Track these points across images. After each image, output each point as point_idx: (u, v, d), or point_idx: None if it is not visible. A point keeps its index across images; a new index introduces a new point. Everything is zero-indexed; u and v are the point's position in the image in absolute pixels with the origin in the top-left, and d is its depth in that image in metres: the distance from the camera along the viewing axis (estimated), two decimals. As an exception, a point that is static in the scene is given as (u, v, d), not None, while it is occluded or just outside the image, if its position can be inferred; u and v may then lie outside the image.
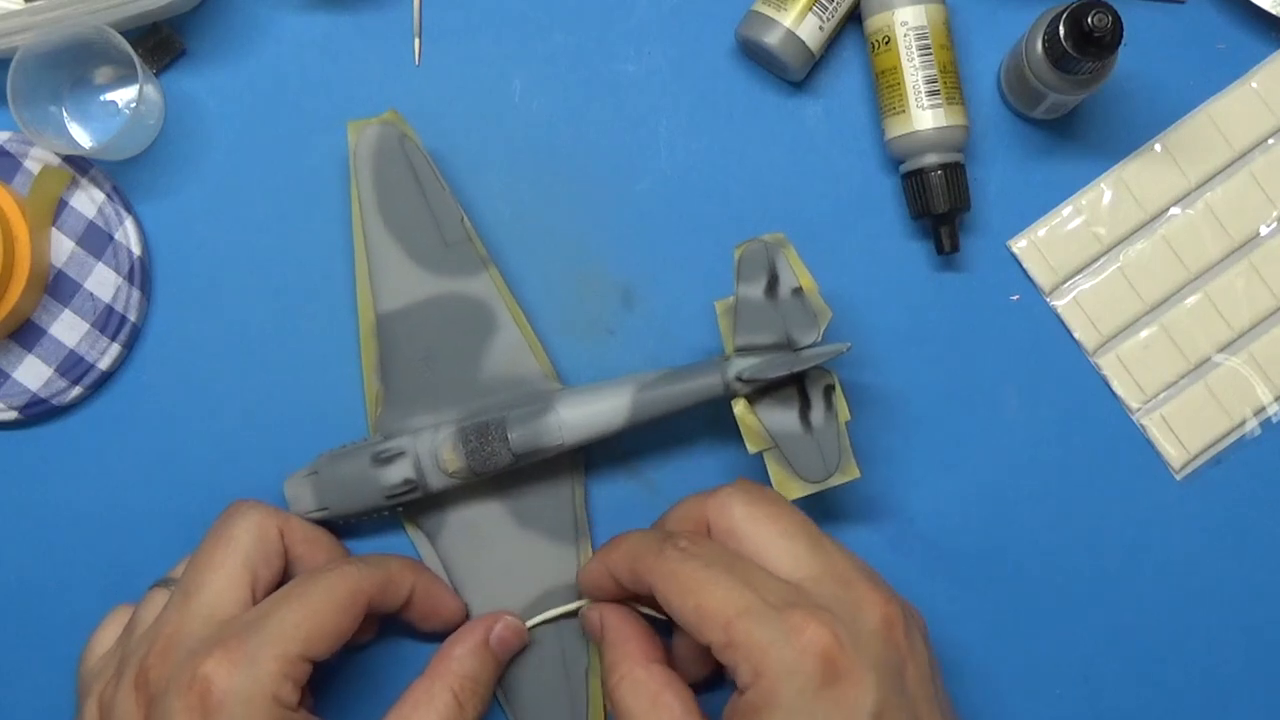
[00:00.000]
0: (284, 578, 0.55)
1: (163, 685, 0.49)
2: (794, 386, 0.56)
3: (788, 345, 0.56)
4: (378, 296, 0.60)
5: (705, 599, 0.48)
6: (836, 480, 0.55)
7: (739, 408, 0.56)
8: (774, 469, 0.56)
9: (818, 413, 0.56)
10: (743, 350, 0.56)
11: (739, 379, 0.55)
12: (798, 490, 0.55)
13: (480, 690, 0.54)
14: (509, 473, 0.59)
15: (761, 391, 0.56)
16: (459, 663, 0.54)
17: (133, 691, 0.50)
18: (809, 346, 0.56)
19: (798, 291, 0.56)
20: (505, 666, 0.57)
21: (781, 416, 0.56)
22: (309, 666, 0.50)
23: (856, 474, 0.56)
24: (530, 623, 0.58)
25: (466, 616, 0.59)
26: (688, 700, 0.51)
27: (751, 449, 0.56)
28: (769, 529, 0.50)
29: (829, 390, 0.56)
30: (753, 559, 0.50)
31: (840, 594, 0.48)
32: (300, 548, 0.55)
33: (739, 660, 0.47)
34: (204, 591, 0.51)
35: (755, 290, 0.56)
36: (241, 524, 0.53)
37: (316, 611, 0.50)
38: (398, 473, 0.57)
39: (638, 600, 0.55)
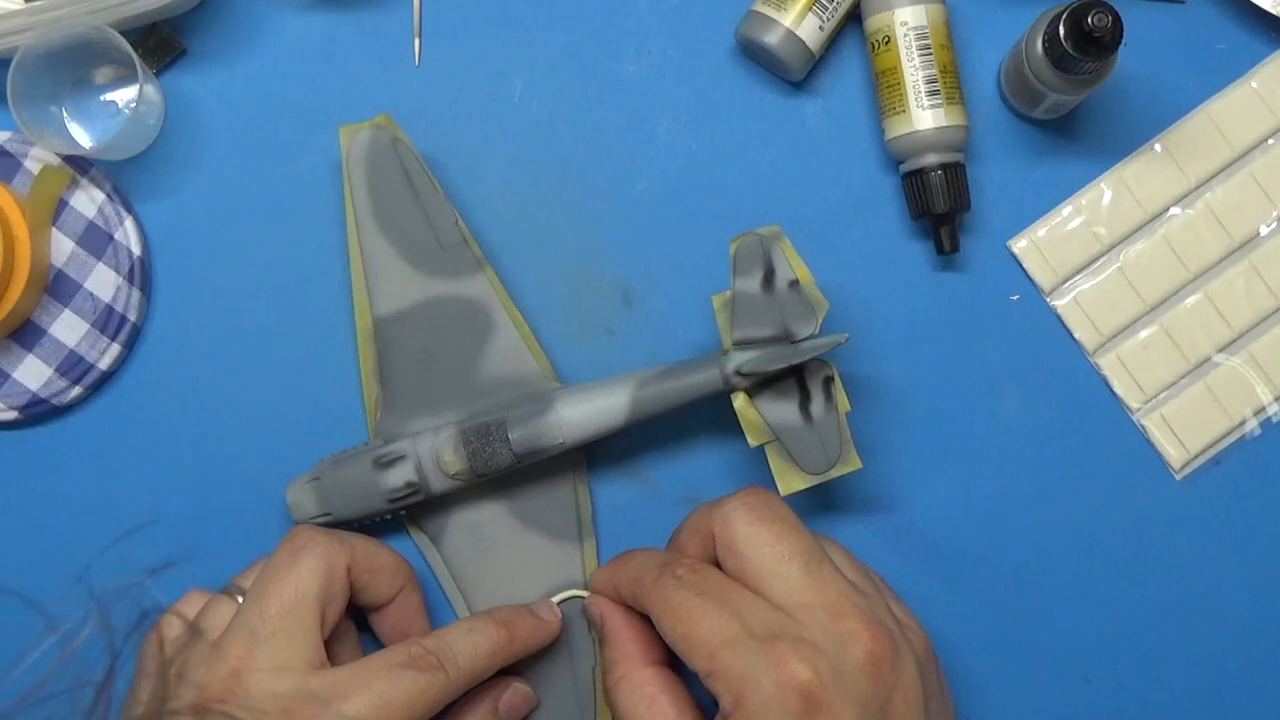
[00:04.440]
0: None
1: None
2: (793, 379, 0.56)
3: (786, 338, 0.56)
4: (374, 301, 0.60)
5: (693, 628, 0.49)
6: (838, 471, 0.55)
7: (738, 402, 0.56)
8: (775, 461, 0.56)
9: (818, 404, 0.56)
10: (741, 344, 0.56)
11: (738, 373, 0.55)
12: (799, 482, 0.55)
13: None
14: (510, 473, 0.59)
15: (761, 385, 0.56)
16: None
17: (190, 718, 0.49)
18: (807, 338, 0.56)
19: (794, 284, 0.56)
20: None
21: (781, 409, 0.56)
22: None
23: (858, 464, 0.56)
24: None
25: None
26: (684, 705, 0.51)
27: (752, 442, 0.56)
28: (766, 553, 0.50)
29: (828, 382, 0.56)
30: (749, 579, 0.50)
31: (828, 625, 0.48)
32: (364, 578, 0.54)
33: (721, 689, 0.48)
34: (275, 640, 0.50)
35: (752, 284, 0.56)
36: (309, 564, 0.52)
37: (389, 705, 0.49)
38: (399, 476, 0.57)
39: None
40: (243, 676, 0.49)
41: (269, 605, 0.51)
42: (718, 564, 0.52)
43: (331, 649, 0.52)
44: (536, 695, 0.58)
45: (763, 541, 0.50)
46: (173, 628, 0.54)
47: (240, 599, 0.53)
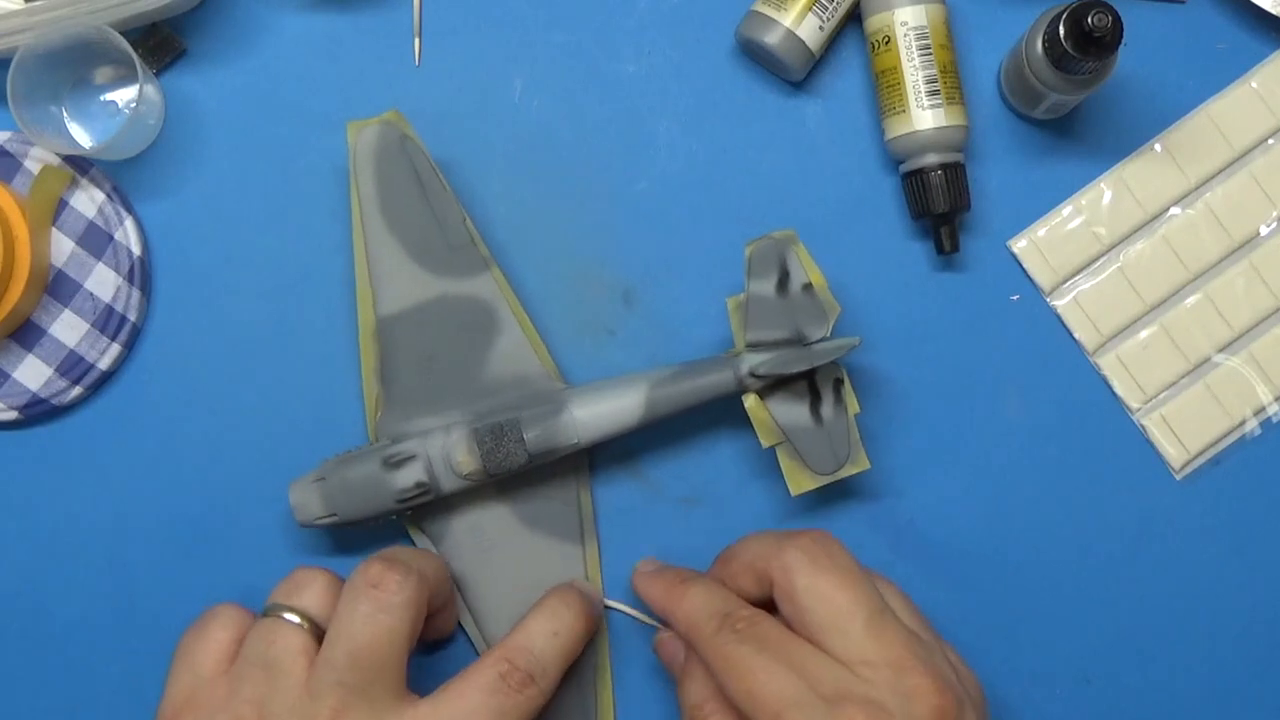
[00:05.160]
0: None
1: None
2: (804, 380, 0.56)
3: (798, 340, 0.56)
4: (379, 299, 0.60)
5: (758, 688, 0.48)
6: (847, 471, 0.56)
7: (750, 403, 0.56)
8: (785, 462, 0.56)
9: (827, 406, 0.56)
10: (753, 346, 0.56)
11: (752, 374, 0.56)
12: (809, 482, 0.56)
13: None
14: (514, 475, 0.58)
15: (772, 386, 0.56)
16: None
17: None
18: (819, 341, 0.56)
19: (808, 287, 0.56)
20: None
21: (792, 410, 0.56)
22: None
23: (867, 465, 0.56)
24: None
25: None
26: None
27: (765, 443, 0.56)
28: (828, 607, 0.49)
29: (838, 384, 0.56)
30: (810, 631, 0.49)
31: (893, 682, 0.48)
32: (431, 601, 0.54)
33: None
34: (369, 689, 0.49)
35: (766, 287, 0.56)
36: (401, 614, 0.50)
37: None
38: (410, 476, 0.57)
39: None
40: None
41: (364, 659, 0.49)
42: (770, 600, 0.52)
43: None
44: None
45: (824, 594, 0.50)
46: (218, 647, 0.53)
47: (293, 618, 0.51)
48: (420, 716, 0.49)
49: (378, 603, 0.50)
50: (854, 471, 0.56)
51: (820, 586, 0.50)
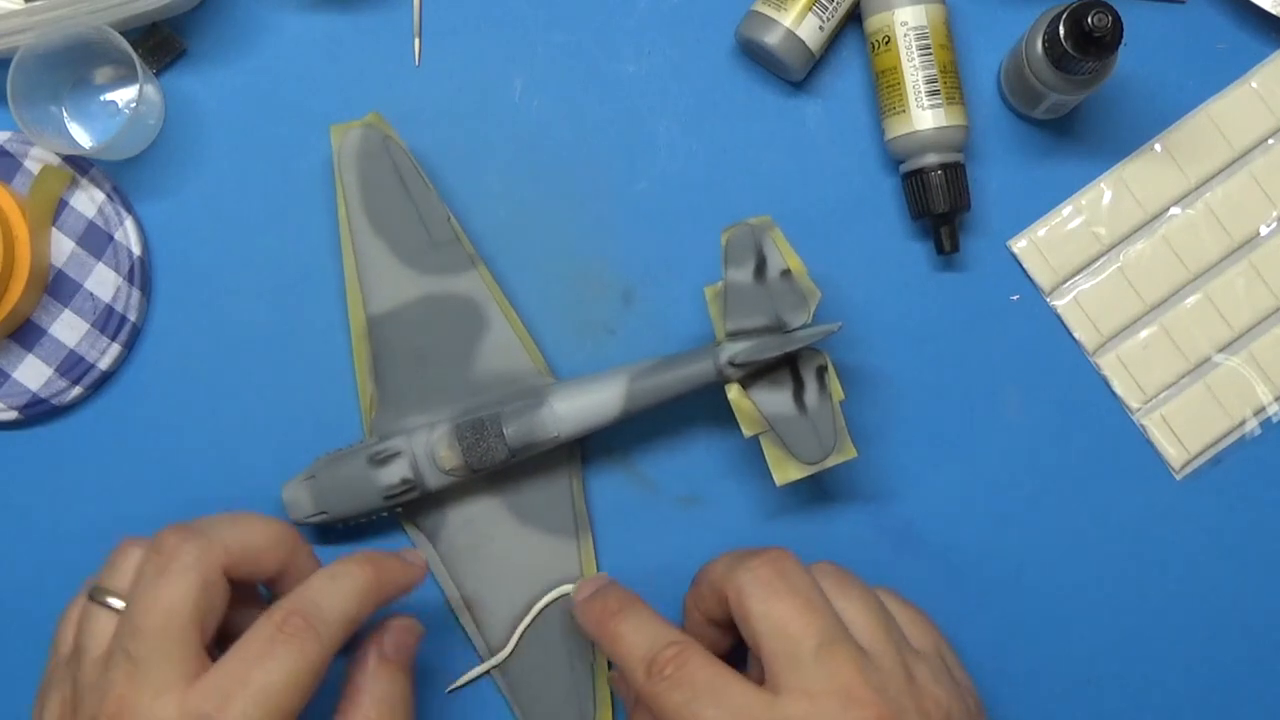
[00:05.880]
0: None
1: None
2: (787, 369, 0.56)
3: (779, 327, 0.56)
4: (368, 299, 0.60)
5: None
6: (834, 460, 0.55)
7: (732, 392, 0.56)
8: (770, 451, 0.56)
9: (811, 394, 0.56)
10: (734, 335, 0.56)
11: (731, 363, 0.55)
12: (795, 472, 0.55)
13: (399, 705, 0.52)
14: (506, 469, 0.59)
15: (754, 375, 0.56)
16: (366, 694, 0.52)
17: None
18: (800, 328, 0.56)
19: (786, 273, 0.56)
20: (415, 665, 0.54)
21: (775, 399, 0.56)
22: None
23: (853, 453, 0.55)
24: (536, 608, 0.59)
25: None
26: None
27: (746, 433, 0.55)
28: (779, 634, 0.48)
29: (821, 371, 0.56)
30: (761, 654, 0.49)
31: (837, 715, 0.47)
32: (245, 569, 0.51)
33: None
34: (152, 662, 0.47)
35: (743, 274, 0.56)
36: (179, 579, 0.48)
37: (270, 696, 0.47)
38: (395, 473, 0.57)
39: None
40: (128, 707, 0.47)
41: (143, 627, 0.48)
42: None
43: (236, 624, 0.51)
44: (421, 624, 0.55)
45: (776, 621, 0.49)
46: (64, 643, 0.52)
47: (113, 602, 0.50)
48: (200, 694, 0.47)
49: (157, 566, 0.49)
50: (840, 460, 0.55)
51: (772, 612, 0.49)
